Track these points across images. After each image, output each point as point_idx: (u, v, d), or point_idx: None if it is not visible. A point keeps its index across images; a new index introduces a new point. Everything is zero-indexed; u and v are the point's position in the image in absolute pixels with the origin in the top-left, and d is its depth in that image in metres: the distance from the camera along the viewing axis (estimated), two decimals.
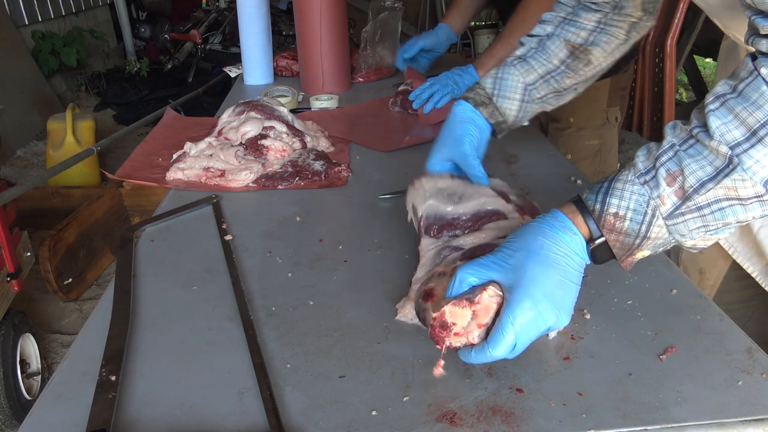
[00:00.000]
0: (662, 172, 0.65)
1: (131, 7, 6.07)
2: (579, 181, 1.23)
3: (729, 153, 0.61)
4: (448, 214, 0.89)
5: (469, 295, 0.69)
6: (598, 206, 0.68)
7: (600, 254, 0.70)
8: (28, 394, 1.97)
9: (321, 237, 1.05)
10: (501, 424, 0.64)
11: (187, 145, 1.34)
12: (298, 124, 1.41)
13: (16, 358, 1.93)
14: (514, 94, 1.00)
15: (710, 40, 4.10)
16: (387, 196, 1.18)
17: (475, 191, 0.92)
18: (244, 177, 1.25)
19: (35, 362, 2.09)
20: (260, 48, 2.07)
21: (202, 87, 3.40)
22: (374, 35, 2.07)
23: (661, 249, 0.70)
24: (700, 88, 4.49)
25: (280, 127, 1.35)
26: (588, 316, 0.80)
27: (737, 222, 0.64)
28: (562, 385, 0.69)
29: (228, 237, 1.04)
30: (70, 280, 2.52)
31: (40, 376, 2.07)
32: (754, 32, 0.63)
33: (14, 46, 4.34)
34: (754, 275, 1.04)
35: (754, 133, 0.60)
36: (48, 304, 2.57)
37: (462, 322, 0.69)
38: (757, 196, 0.62)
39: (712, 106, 0.63)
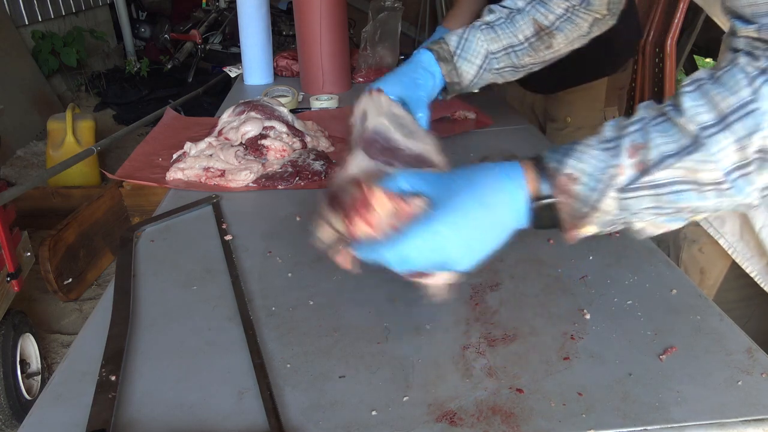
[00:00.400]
0: (626, 141, 0.62)
1: (131, 7, 6.07)
2: None
3: (697, 133, 0.59)
4: (396, 142, 0.87)
5: (402, 195, 0.68)
6: (554, 164, 0.65)
7: (544, 217, 0.66)
8: (28, 394, 1.97)
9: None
10: (501, 424, 0.64)
11: (187, 145, 1.34)
12: (298, 124, 1.41)
13: (16, 358, 1.93)
14: (475, 58, 1.01)
15: (710, 40, 4.10)
16: None
17: (424, 136, 0.90)
18: (244, 177, 1.25)
19: (35, 362, 2.09)
20: (260, 48, 2.07)
21: (202, 87, 3.40)
22: (374, 35, 2.07)
23: (609, 229, 0.66)
24: None
25: (281, 127, 1.35)
26: (588, 316, 0.80)
27: (690, 211, 0.62)
28: (562, 385, 0.69)
29: (228, 237, 1.04)
30: (70, 280, 2.52)
31: (40, 376, 2.08)
32: (732, 33, 0.63)
33: (14, 46, 4.34)
34: (753, 275, 1.04)
35: (724, 118, 0.58)
36: (48, 304, 2.57)
37: (382, 212, 0.67)
38: (715, 184, 0.59)
39: (687, 88, 0.61)
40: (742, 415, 0.64)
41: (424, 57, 1.00)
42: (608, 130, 0.65)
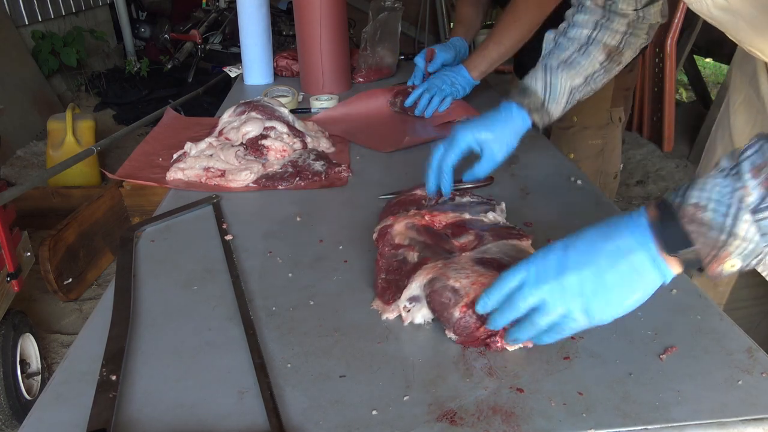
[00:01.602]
0: (746, 165, 0.61)
1: (131, 7, 6.06)
2: (579, 181, 1.23)
3: None
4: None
5: None
6: (678, 200, 0.63)
7: (679, 247, 0.63)
8: (28, 394, 1.97)
9: (321, 237, 1.05)
10: (501, 423, 0.64)
11: (188, 145, 1.34)
12: (298, 125, 1.41)
13: (16, 358, 1.93)
14: (561, 97, 1.07)
15: (710, 40, 4.10)
16: (387, 196, 1.18)
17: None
18: (244, 177, 1.25)
19: (35, 362, 2.09)
20: (260, 48, 2.07)
21: (202, 87, 3.39)
22: (374, 35, 2.07)
23: (754, 261, 0.62)
24: (700, 88, 4.49)
25: (281, 128, 1.35)
26: None
27: None
28: (563, 385, 0.69)
29: (228, 237, 1.04)
30: (70, 280, 2.52)
31: (40, 376, 2.07)
32: None
33: (14, 46, 4.34)
34: (764, 274, 1.05)
35: None
36: (48, 304, 2.57)
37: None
38: None
39: None
40: (742, 415, 0.64)
41: (520, 114, 1.07)
42: (724, 160, 0.64)
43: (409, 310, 0.80)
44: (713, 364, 0.72)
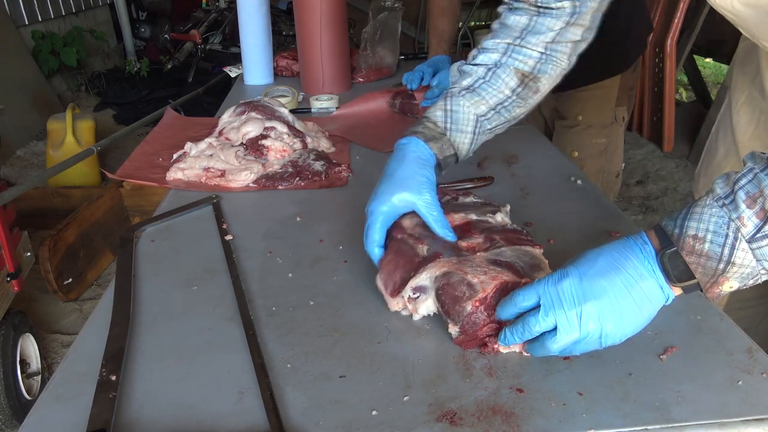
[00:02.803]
0: (741, 194, 0.63)
1: (131, 7, 6.06)
2: (579, 181, 1.23)
3: None
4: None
5: None
6: (677, 230, 0.66)
7: (682, 276, 0.67)
8: (28, 394, 1.97)
9: (321, 237, 1.05)
10: (501, 423, 0.64)
11: (188, 145, 1.34)
12: (298, 125, 1.41)
13: (16, 358, 1.93)
14: (466, 126, 0.95)
15: (710, 40, 4.10)
16: None
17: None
18: (244, 177, 1.25)
19: (35, 362, 2.09)
20: (260, 48, 2.07)
21: (202, 87, 3.39)
22: (374, 35, 2.07)
23: (751, 282, 0.66)
24: (700, 88, 4.49)
25: (281, 128, 1.35)
26: None
27: None
28: (563, 385, 0.69)
29: (228, 237, 1.04)
30: (70, 280, 2.52)
31: (40, 376, 2.07)
32: None
33: (14, 46, 4.34)
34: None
35: None
36: (48, 304, 2.57)
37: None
38: None
39: None
40: (742, 415, 0.64)
41: (414, 146, 0.93)
42: (719, 186, 0.66)
43: (414, 300, 0.80)
44: (713, 365, 0.72)
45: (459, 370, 0.72)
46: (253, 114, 1.38)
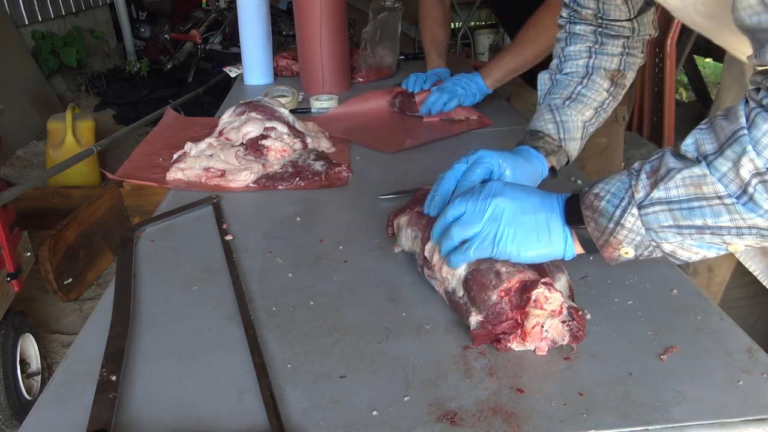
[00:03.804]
0: (647, 167, 0.69)
1: (131, 7, 6.06)
2: (579, 181, 1.23)
3: (700, 160, 0.64)
4: None
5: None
6: (587, 188, 0.74)
7: (579, 230, 0.75)
8: (28, 394, 1.97)
9: (321, 237, 1.05)
10: (501, 424, 0.64)
11: (188, 145, 1.34)
12: (298, 125, 1.41)
13: (16, 358, 1.93)
14: (576, 134, 1.03)
15: (710, 41, 4.09)
16: (387, 196, 1.18)
17: None
18: (244, 177, 1.25)
19: (35, 362, 2.09)
20: (260, 48, 2.07)
21: (202, 87, 3.39)
22: (374, 35, 2.07)
23: (645, 252, 0.71)
24: (700, 88, 4.48)
25: (281, 128, 1.35)
26: (588, 316, 0.80)
27: (708, 228, 0.65)
28: (563, 385, 0.69)
29: (228, 237, 1.04)
30: (70, 280, 2.52)
31: (40, 376, 2.07)
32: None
33: (14, 46, 4.34)
34: (755, 273, 1.05)
35: (720, 146, 0.63)
36: (48, 304, 2.57)
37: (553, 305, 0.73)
38: (719, 198, 0.63)
39: (702, 126, 0.67)
40: (742, 415, 0.64)
41: (534, 156, 1.00)
42: (637, 163, 0.72)
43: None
44: (714, 365, 0.72)
45: (459, 370, 0.72)
46: (253, 114, 1.38)
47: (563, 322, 0.73)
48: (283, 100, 1.72)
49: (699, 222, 0.65)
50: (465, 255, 0.77)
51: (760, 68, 0.63)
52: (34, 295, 2.61)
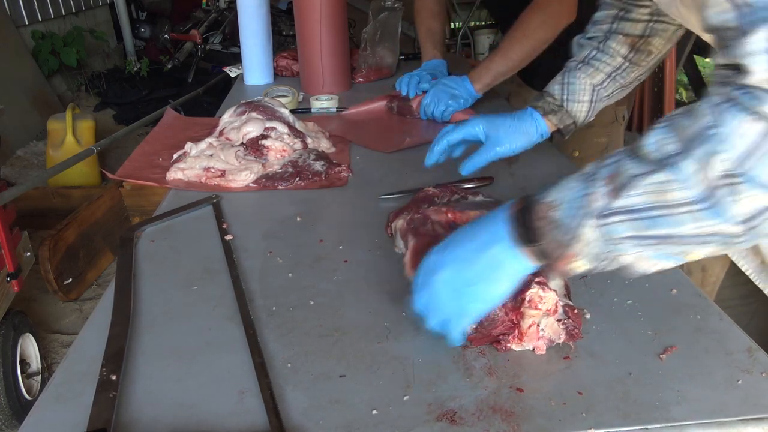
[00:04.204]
0: (603, 172, 0.63)
1: (131, 7, 6.07)
2: None
3: (663, 160, 0.59)
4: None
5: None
6: (538, 196, 0.67)
7: (533, 248, 0.67)
8: (28, 394, 1.97)
9: (321, 237, 1.05)
10: (501, 423, 0.64)
11: (188, 145, 1.34)
12: (299, 125, 1.41)
13: (16, 358, 1.93)
14: (583, 96, 1.05)
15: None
16: (387, 196, 1.18)
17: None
18: (244, 177, 1.25)
19: (35, 362, 2.09)
20: (260, 48, 2.07)
21: (202, 87, 3.40)
22: (374, 35, 2.07)
23: (601, 265, 0.64)
24: (700, 88, 4.48)
25: (282, 128, 1.35)
26: (588, 316, 0.80)
27: (673, 243, 0.60)
28: (563, 385, 0.69)
29: (228, 237, 1.04)
30: (70, 280, 2.52)
31: (40, 376, 2.08)
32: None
33: (14, 46, 4.34)
34: (748, 273, 1.05)
35: (686, 145, 0.57)
36: (48, 304, 2.57)
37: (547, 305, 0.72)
38: (686, 204, 0.57)
39: (660, 124, 0.61)
40: (742, 414, 0.64)
41: (528, 115, 1.07)
42: (589, 166, 0.66)
43: None
44: (713, 364, 0.72)
45: (459, 370, 0.72)
46: (253, 114, 1.38)
47: (559, 320, 0.73)
48: (283, 100, 1.72)
49: (662, 231, 0.59)
50: (455, 338, 0.73)
51: (724, 63, 0.58)
52: (34, 295, 2.61)
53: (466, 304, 0.70)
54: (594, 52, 1.04)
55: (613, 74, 1.04)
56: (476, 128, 1.06)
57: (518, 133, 1.05)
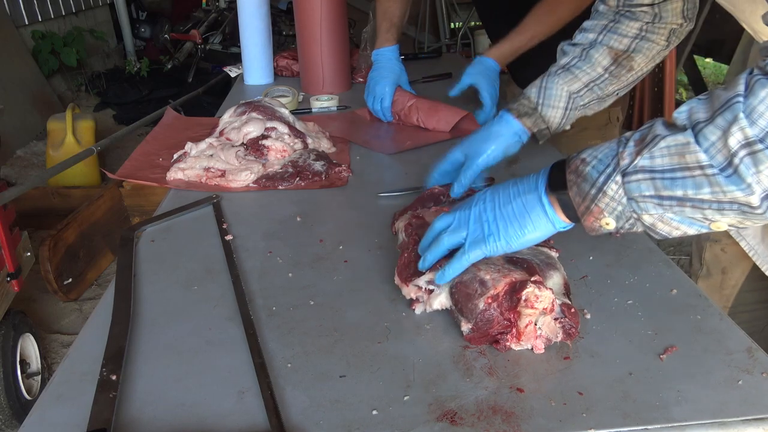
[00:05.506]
0: (636, 135, 0.67)
1: (131, 7, 6.07)
2: None
3: (689, 127, 0.62)
4: None
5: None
6: (575, 154, 0.72)
7: (560, 196, 0.73)
8: (28, 394, 1.97)
9: (321, 237, 1.05)
10: (501, 423, 0.64)
11: (188, 145, 1.34)
12: (299, 125, 1.41)
13: (16, 358, 1.93)
14: (558, 102, 1.04)
15: (710, 40, 4.10)
16: (387, 194, 1.18)
17: None
18: (244, 177, 1.25)
19: (35, 362, 2.09)
20: (260, 48, 2.07)
21: (202, 87, 3.40)
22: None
23: (626, 225, 0.68)
24: (700, 88, 4.49)
25: (282, 128, 1.35)
26: (588, 316, 0.80)
27: (689, 200, 0.62)
28: (563, 385, 0.69)
29: (228, 237, 1.04)
30: (70, 280, 2.52)
31: (40, 376, 2.08)
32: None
33: (14, 46, 4.34)
34: None
35: (713, 113, 0.60)
36: (48, 304, 2.57)
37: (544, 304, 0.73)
38: (700, 168, 0.60)
39: (701, 96, 0.64)
40: (742, 415, 0.64)
41: (503, 119, 1.05)
42: (628, 132, 0.70)
43: (428, 292, 0.81)
44: (713, 364, 0.72)
45: (459, 370, 0.72)
46: (254, 114, 1.38)
47: (556, 319, 0.73)
48: (283, 100, 1.72)
49: (680, 193, 0.62)
50: (461, 261, 0.76)
51: None
52: (34, 295, 2.61)
53: (493, 237, 0.75)
54: (575, 60, 1.04)
55: (591, 84, 1.03)
56: (455, 153, 1.05)
57: (491, 139, 1.03)
